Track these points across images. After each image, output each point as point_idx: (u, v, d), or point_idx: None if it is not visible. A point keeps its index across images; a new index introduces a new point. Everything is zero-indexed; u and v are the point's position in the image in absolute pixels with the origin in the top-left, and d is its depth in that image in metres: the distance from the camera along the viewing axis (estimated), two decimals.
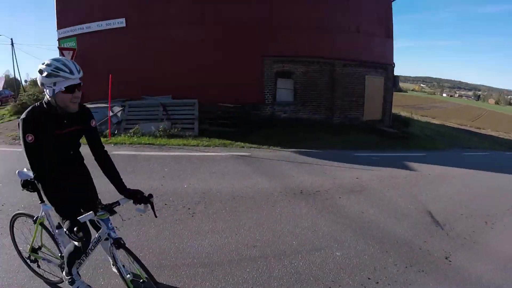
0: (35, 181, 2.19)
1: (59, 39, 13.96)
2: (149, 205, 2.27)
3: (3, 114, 18.37)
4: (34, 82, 27.21)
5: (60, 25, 14.05)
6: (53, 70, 2.02)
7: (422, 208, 5.27)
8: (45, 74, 2.04)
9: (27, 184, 2.54)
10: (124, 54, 12.25)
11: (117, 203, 2.17)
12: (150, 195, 2.29)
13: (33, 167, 2.11)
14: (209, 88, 11.91)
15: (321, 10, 13.64)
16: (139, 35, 12.60)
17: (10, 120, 16.64)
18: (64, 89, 2.05)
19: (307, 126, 12.21)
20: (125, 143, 8.62)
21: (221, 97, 12.11)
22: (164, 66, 12.30)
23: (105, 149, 2.46)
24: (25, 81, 37.85)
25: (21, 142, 2.07)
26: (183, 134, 9.89)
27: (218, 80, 12.20)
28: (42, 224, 2.74)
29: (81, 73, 2.10)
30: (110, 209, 2.11)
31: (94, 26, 13.10)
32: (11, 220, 2.97)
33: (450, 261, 3.63)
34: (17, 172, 2.59)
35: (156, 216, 2.36)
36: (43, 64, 2.08)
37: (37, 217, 2.72)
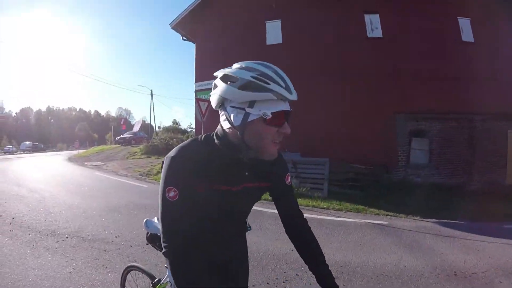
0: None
1: (196, 91, 16.05)
2: None
3: (135, 152, 21.69)
4: (166, 129, 31.07)
5: (197, 79, 16.19)
6: (257, 78, 1.21)
7: None
8: (238, 83, 1.23)
9: (154, 240, 2.05)
10: None
11: None
12: None
13: (165, 236, 1.30)
14: (337, 146, 12.05)
15: (455, 57, 12.87)
16: None
17: (140, 158, 19.32)
18: (270, 115, 1.23)
19: (444, 192, 11.13)
20: None
21: (350, 157, 11.99)
22: (291, 122, 12.82)
23: (304, 217, 1.66)
24: (158, 127, 43.82)
25: (159, 193, 1.30)
26: (312, 194, 10.00)
27: (347, 138, 12.31)
28: None
29: (296, 96, 1.29)
30: None
31: None
32: (124, 271, 2.58)
33: None
34: (144, 221, 2.13)
35: None
36: (232, 68, 1.31)
37: (159, 280, 2.24)
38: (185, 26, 16.93)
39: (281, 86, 1.22)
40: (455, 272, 5.00)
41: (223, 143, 1.34)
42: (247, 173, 1.42)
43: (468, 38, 13.34)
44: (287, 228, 1.64)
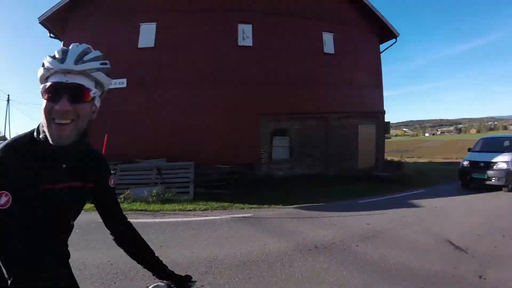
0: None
1: None
2: None
3: None
4: None
5: None
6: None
7: (441, 238, 5.41)
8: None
9: None
10: (122, 114, 11.92)
11: None
12: (189, 277, 1.43)
13: (3, 256, 1.03)
14: (205, 150, 11.92)
15: (317, 66, 14.32)
16: (138, 96, 12.63)
17: None
18: (42, 90, 1.07)
19: (305, 181, 12.13)
20: None
21: (218, 159, 11.96)
22: (160, 127, 12.28)
23: (128, 220, 1.48)
24: None
25: None
26: (178, 198, 9.50)
27: (214, 141, 12.26)
28: None
29: (83, 66, 1.07)
30: None
31: None
32: None
33: (484, 278, 3.85)
34: None
35: None
36: None
37: None
38: (55, 22, 14.30)
39: (53, 57, 1.07)
40: (315, 245, 5.20)
41: (39, 134, 1.11)
42: (64, 166, 1.16)
43: (329, 50, 15.05)
44: (114, 234, 1.43)
